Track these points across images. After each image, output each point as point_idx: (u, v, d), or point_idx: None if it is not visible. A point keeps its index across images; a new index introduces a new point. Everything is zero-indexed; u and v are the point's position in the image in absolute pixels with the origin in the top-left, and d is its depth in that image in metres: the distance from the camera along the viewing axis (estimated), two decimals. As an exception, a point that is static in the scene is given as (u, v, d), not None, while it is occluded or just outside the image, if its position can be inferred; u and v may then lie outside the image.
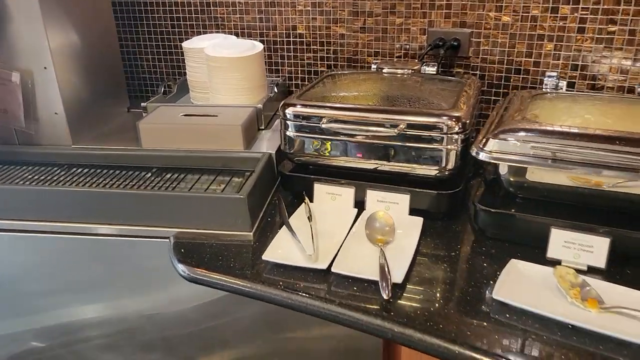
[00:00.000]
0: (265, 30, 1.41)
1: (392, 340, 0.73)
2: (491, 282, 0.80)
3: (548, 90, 1.08)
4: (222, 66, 1.20)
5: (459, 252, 0.89)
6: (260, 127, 1.21)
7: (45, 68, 1.09)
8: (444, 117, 0.92)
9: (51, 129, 1.14)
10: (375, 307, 0.75)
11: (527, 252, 0.85)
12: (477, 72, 1.27)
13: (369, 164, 0.98)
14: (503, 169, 0.89)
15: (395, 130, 0.92)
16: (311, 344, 1.01)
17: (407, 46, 1.31)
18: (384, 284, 0.77)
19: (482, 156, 0.86)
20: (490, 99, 1.29)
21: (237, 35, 1.42)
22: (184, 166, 1.11)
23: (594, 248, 0.80)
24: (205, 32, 1.45)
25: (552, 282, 0.77)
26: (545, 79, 1.08)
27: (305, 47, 1.39)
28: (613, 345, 0.66)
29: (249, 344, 1.04)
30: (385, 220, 0.91)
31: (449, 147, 0.92)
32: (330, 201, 1.00)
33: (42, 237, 0.99)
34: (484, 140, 0.87)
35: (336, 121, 0.96)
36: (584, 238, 0.80)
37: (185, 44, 1.30)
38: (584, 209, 0.86)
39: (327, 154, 1.00)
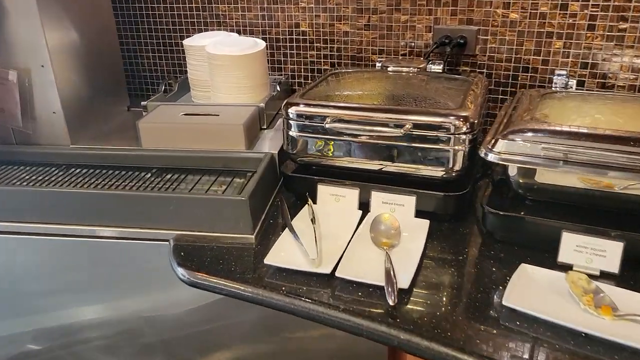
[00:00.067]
0: (267, 28, 1.39)
1: (398, 347, 0.71)
2: (500, 287, 0.77)
3: (557, 89, 1.06)
4: (224, 64, 1.18)
5: (467, 255, 0.86)
6: (263, 127, 1.19)
7: (42, 66, 1.08)
8: (451, 117, 0.89)
9: (49, 129, 1.13)
10: (381, 313, 0.73)
11: (537, 256, 0.83)
12: (484, 71, 1.25)
13: (374, 165, 0.96)
14: (512, 171, 0.86)
15: (401, 131, 0.89)
16: (312, 346, 1.00)
17: (413, 44, 1.28)
18: (390, 289, 0.74)
19: (491, 157, 0.84)
20: (497, 98, 1.26)
21: (239, 32, 1.40)
22: (184, 166, 1.09)
23: (607, 252, 0.77)
24: (206, 30, 1.43)
25: (564, 287, 0.74)
26: (555, 77, 1.06)
27: (308, 44, 1.37)
28: (628, 355, 0.64)
29: (249, 346, 1.03)
30: (391, 223, 0.89)
31: (456, 147, 0.90)
32: (334, 203, 0.98)
33: (39, 239, 0.98)
34: (492, 141, 0.85)
35: (340, 121, 0.94)
36: (597, 242, 0.78)
37: (186, 42, 1.28)
38: (596, 212, 0.84)
39: (331, 155, 0.98)
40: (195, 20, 1.43)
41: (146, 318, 1.04)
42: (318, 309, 0.75)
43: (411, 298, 0.76)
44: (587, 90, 1.15)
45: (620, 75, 1.14)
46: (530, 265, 0.79)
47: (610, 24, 1.11)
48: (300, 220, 0.94)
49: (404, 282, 0.77)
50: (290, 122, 0.98)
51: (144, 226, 0.94)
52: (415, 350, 0.69)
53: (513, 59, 1.22)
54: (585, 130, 0.82)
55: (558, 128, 0.83)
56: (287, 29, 1.37)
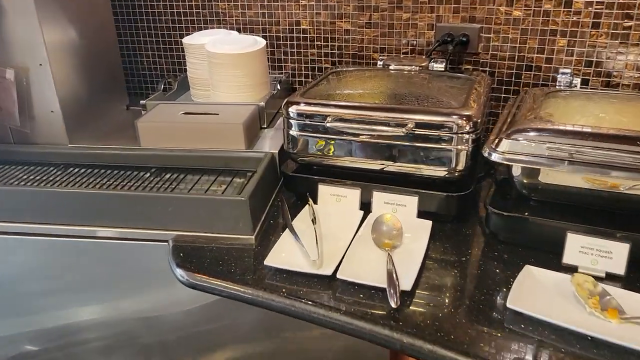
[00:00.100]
0: (268, 26, 1.37)
1: (400, 351, 0.70)
2: (504, 289, 0.76)
3: (562, 87, 1.04)
4: (224, 63, 1.17)
5: (470, 257, 0.85)
6: (263, 126, 1.19)
7: (40, 65, 1.07)
8: (454, 116, 0.88)
9: (47, 128, 1.12)
10: (383, 316, 0.71)
11: (541, 257, 0.82)
12: (487, 69, 1.23)
13: (376, 165, 0.95)
14: (516, 171, 0.85)
15: (403, 130, 0.88)
16: (312, 346, 0.99)
17: (415, 42, 1.27)
18: (392, 292, 0.73)
19: (495, 157, 0.83)
20: (500, 97, 1.25)
21: (239, 30, 1.39)
22: (183, 166, 1.08)
23: (613, 254, 0.76)
24: (206, 28, 1.42)
25: (570, 290, 0.73)
26: (559, 76, 1.04)
27: (309, 43, 1.36)
28: (635, 359, 0.63)
29: (249, 347, 1.02)
30: (393, 224, 0.88)
31: (459, 147, 0.88)
32: (335, 203, 0.96)
33: (36, 239, 0.97)
34: (496, 141, 0.84)
35: (341, 120, 0.93)
36: (602, 243, 0.77)
37: (185, 40, 1.27)
38: (601, 213, 0.83)
39: (332, 154, 0.97)
40: (195, 18, 1.42)
41: (145, 319, 1.03)
42: (319, 311, 0.74)
43: (414, 300, 0.75)
44: (591, 89, 1.14)
45: (625, 74, 1.13)
46: (535, 267, 0.78)
47: (615, 21, 1.10)
48: (301, 221, 0.93)
49: (406, 284, 0.75)
50: (291, 121, 0.97)
51: (142, 226, 0.93)
52: (418, 353, 0.67)
53: (516, 57, 1.20)
54: (591, 130, 0.80)
55: (563, 127, 0.82)
56: (287, 27, 1.36)
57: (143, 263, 0.96)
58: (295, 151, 1.00)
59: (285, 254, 0.84)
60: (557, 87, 1.05)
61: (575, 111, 0.93)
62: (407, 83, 1.07)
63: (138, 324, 1.04)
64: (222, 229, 0.90)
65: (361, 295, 0.76)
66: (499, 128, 0.88)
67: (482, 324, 0.70)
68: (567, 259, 0.79)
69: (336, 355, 0.99)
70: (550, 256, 0.81)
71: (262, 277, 0.81)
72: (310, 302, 0.75)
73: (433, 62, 1.14)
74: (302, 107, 0.96)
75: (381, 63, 1.17)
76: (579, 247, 0.78)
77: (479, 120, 0.89)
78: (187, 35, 1.31)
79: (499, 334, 0.68)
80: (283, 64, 1.41)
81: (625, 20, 1.09)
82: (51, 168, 1.10)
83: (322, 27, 1.33)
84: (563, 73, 1.05)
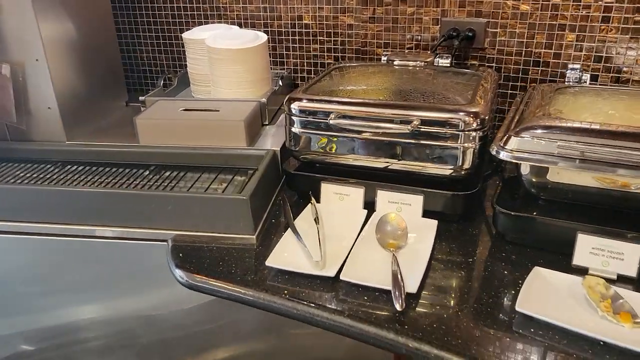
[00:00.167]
0: (269, 21, 1.35)
1: (406, 356, 0.68)
2: (512, 291, 0.74)
3: (571, 83, 1.02)
4: (224, 58, 1.16)
5: (477, 257, 0.83)
6: (264, 123, 1.17)
7: (37, 60, 1.04)
8: (461, 113, 0.86)
9: (44, 125, 1.10)
10: (388, 319, 0.69)
11: (550, 258, 0.80)
12: (493, 65, 1.21)
13: (380, 163, 0.93)
14: (525, 169, 0.83)
15: (409, 127, 0.86)
16: (313, 344, 0.98)
17: (419, 37, 1.25)
18: (397, 294, 0.71)
19: (503, 155, 0.80)
20: (507, 93, 1.23)
21: (240, 25, 1.37)
22: (183, 164, 1.07)
23: (625, 255, 0.74)
24: (206, 23, 1.40)
25: (581, 293, 0.71)
26: (568, 72, 1.02)
27: (311, 38, 1.34)
28: (649, 365, 0.61)
29: (250, 345, 1.02)
30: (397, 223, 0.86)
31: (465, 145, 0.86)
32: (338, 202, 0.94)
33: (33, 239, 0.95)
34: (504, 138, 0.81)
35: (345, 117, 0.91)
36: (614, 244, 0.75)
37: (185, 35, 1.25)
38: (612, 213, 0.81)
39: (335, 152, 0.95)
40: (195, 12, 1.40)
41: (144, 318, 1.02)
42: (322, 314, 0.72)
43: (419, 303, 0.72)
44: (601, 84, 1.11)
45: (636, 70, 1.10)
46: (544, 269, 0.76)
47: (626, 15, 1.07)
48: (303, 220, 0.91)
49: (411, 286, 0.73)
50: (293, 118, 0.95)
51: (141, 226, 0.91)
52: (425, 358, 0.65)
53: (523, 53, 1.18)
54: (602, 127, 0.78)
55: (574, 125, 0.79)
56: (289, 22, 1.34)
57: (142, 262, 0.95)
58: (297, 149, 0.98)
59: (287, 255, 0.82)
60: (565, 83, 1.03)
61: (584, 108, 0.91)
62: (411, 79, 1.05)
63: (137, 323, 1.03)
64: (222, 228, 0.88)
65: (365, 298, 0.74)
66: (507, 125, 0.86)
67: (490, 327, 0.68)
68: (578, 260, 0.76)
69: (340, 354, 0.98)
70: (560, 257, 0.79)
71: (263, 278, 0.79)
72: (312, 305, 0.73)
73: (438, 57, 1.12)
74: (305, 104, 0.94)
75: (385, 58, 1.16)
76: (589, 248, 0.76)
77: (487, 117, 0.86)
78: (187, 30, 1.29)
79: (508, 338, 0.66)
80: (285, 60, 1.39)
81: (636, 15, 1.07)
82: (48, 166, 1.09)
83: (325, 22, 1.31)
84: (572, 69, 1.02)
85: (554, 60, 1.16)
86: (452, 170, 0.89)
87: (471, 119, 0.85)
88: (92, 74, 1.20)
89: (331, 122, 0.91)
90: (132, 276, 0.98)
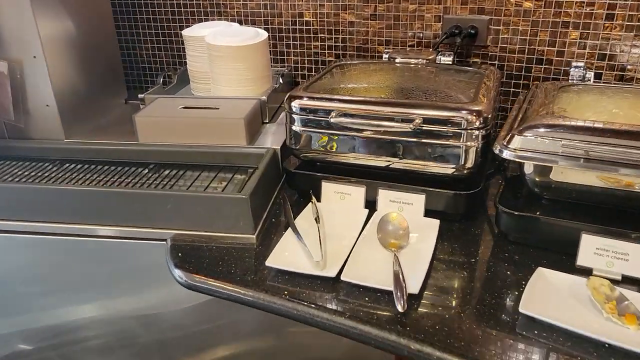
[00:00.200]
0: (270, 18, 1.34)
1: (407, 358, 0.67)
2: (516, 292, 0.73)
3: (574, 81, 1.00)
4: (224, 55, 1.15)
5: (479, 258, 0.82)
6: (265, 121, 1.16)
7: (35, 57, 1.03)
8: (464, 111, 0.85)
9: (42, 122, 1.09)
10: (390, 320, 0.69)
11: (553, 258, 0.79)
12: (496, 62, 1.20)
13: (381, 161, 0.92)
14: (528, 168, 0.82)
15: (411, 126, 0.85)
16: (314, 343, 0.98)
17: (421, 34, 1.24)
18: (399, 294, 0.70)
19: (507, 154, 0.79)
20: (509, 91, 1.21)
21: (240, 22, 1.36)
22: (183, 162, 1.06)
23: (630, 256, 0.73)
24: (206, 19, 1.39)
25: (585, 294, 0.70)
26: (572, 69, 1.01)
27: (312, 35, 1.33)
28: (655, 367, 0.60)
29: (250, 343, 1.01)
30: (399, 223, 0.85)
31: (468, 143, 0.85)
32: (339, 201, 0.93)
33: (30, 238, 0.94)
34: (508, 137, 0.80)
35: (346, 115, 0.90)
36: (618, 244, 0.74)
37: (185, 32, 1.24)
38: (617, 212, 0.80)
39: (336, 150, 0.94)
40: (195, 9, 1.39)
41: (143, 317, 1.02)
42: (322, 315, 0.71)
43: (421, 304, 0.72)
44: (605, 83, 1.10)
45: (640, 68, 1.09)
46: (548, 269, 0.75)
47: (630, 13, 1.06)
48: (304, 219, 0.90)
49: (413, 287, 0.72)
50: (294, 116, 0.94)
51: (140, 225, 0.90)
52: (426, 360, 0.64)
53: (526, 50, 1.17)
54: (608, 126, 0.77)
55: (579, 123, 0.78)
56: (290, 19, 1.33)
57: (141, 261, 0.94)
58: (298, 147, 0.97)
59: (288, 254, 0.81)
60: (569, 81, 1.01)
61: (588, 106, 0.90)
62: (413, 77, 1.04)
63: (136, 323, 1.03)
64: (222, 227, 0.87)
65: (366, 298, 0.73)
66: (510, 124, 0.85)
67: (493, 329, 0.67)
68: (582, 260, 0.75)
69: (339, 353, 0.97)
70: (563, 258, 0.78)
71: (263, 278, 0.78)
72: (313, 306, 0.72)
73: (440, 55, 1.11)
74: (306, 102, 0.93)
75: (387, 56, 1.15)
76: (594, 248, 0.75)
77: (489, 116, 0.85)
78: (187, 27, 1.29)
79: (511, 340, 0.65)
80: (285, 57, 1.38)
81: (641, 12, 1.05)
82: (46, 164, 1.08)
83: (326, 19, 1.30)
84: (576, 66, 1.01)
85: (557, 58, 1.15)
86: (454, 169, 0.88)
87: (474, 117, 0.84)
88: (91, 71, 1.19)
89: (332, 120, 0.90)
90: (131, 275, 0.97)
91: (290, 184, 1.01)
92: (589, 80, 1.00)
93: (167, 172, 1.04)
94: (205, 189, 0.97)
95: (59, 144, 1.09)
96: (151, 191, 0.93)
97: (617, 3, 1.06)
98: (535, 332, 0.66)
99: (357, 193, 0.92)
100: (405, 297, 0.70)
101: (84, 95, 1.17)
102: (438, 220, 0.87)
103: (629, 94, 0.95)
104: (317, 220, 0.89)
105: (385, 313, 0.70)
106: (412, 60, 1.11)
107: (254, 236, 0.87)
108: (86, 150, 1.09)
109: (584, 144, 0.75)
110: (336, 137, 0.93)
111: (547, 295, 0.70)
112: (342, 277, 0.75)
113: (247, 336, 1.01)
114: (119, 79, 1.34)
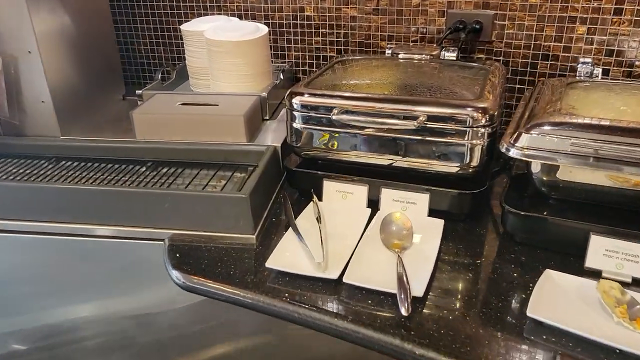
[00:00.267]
0: (270, 12, 1.32)
1: (412, 362, 0.65)
2: (523, 295, 0.71)
3: (582, 78, 0.98)
4: (224, 51, 1.13)
5: (485, 259, 0.80)
6: (265, 118, 1.14)
7: (29, 52, 1.01)
8: (469, 108, 0.82)
9: (37, 119, 1.07)
10: (393, 324, 0.67)
11: (561, 260, 0.78)
12: (501, 58, 1.18)
13: (384, 160, 0.90)
14: (535, 167, 0.80)
15: (415, 123, 0.83)
16: (314, 343, 0.96)
17: (425, 29, 1.21)
18: (403, 297, 0.68)
19: (514, 153, 0.77)
20: (514, 88, 1.19)
21: (240, 17, 1.34)
22: (181, 160, 1.04)
23: (640, 258, 0.71)
24: (206, 14, 1.37)
25: (594, 297, 0.68)
26: (579, 65, 0.99)
27: (313, 30, 1.30)
28: (668, 374, 0.58)
29: (248, 344, 1.00)
30: (402, 223, 0.83)
31: (473, 141, 0.83)
32: (341, 200, 0.92)
33: (25, 237, 0.93)
34: (514, 135, 0.78)
35: (348, 112, 0.88)
36: (628, 246, 0.72)
37: (184, 27, 1.22)
38: (627, 213, 0.78)
39: (338, 148, 0.92)
40: (194, 4, 1.37)
41: (140, 318, 1.00)
42: (324, 318, 0.69)
43: (426, 307, 0.70)
44: (612, 79, 1.08)
45: (649, 64, 1.07)
46: (556, 272, 0.73)
47: (639, 8, 1.04)
48: (305, 219, 0.88)
49: (418, 289, 0.70)
50: (294, 113, 0.92)
51: (137, 224, 0.88)
52: (431, 366, 0.63)
53: (532, 46, 1.14)
54: (617, 124, 0.75)
55: (588, 121, 0.76)
56: (291, 14, 1.30)
57: (138, 261, 0.92)
58: (299, 145, 0.95)
59: (288, 256, 0.79)
60: (577, 77, 0.99)
61: (596, 103, 0.88)
62: (417, 73, 1.02)
63: (133, 323, 1.01)
64: (221, 227, 0.85)
65: (369, 301, 0.71)
66: (517, 121, 0.83)
67: (500, 334, 0.65)
68: (590, 262, 0.74)
69: (339, 352, 0.95)
70: (571, 259, 0.77)
71: (263, 280, 0.76)
72: (314, 308, 0.70)
73: (444, 50, 1.09)
74: (307, 98, 0.91)
75: (389, 52, 1.13)
76: (603, 249, 0.73)
77: (495, 113, 0.83)
78: (186, 21, 1.26)
79: (519, 345, 0.63)
80: (286, 53, 1.36)
81: (650, 7, 1.03)
82: (42, 161, 1.06)
83: (327, 14, 1.27)
84: (583, 63, 0.99)
85: (563, 54, 1.12)
86: (459, 168, 0.86)
87: (480, 114, 0.82)
88: (87, 67, 1.17)
89: (334, 117, 0.88)
90: (128, 275, 0.95)
91: (291, 182, 0.99)
92: (597, 76, 0.98)
93: (165, 170, 1.02)
94: (204, 188, 0.95)
95: (54, 141, 1.07)
96: (149, 190, 0.91)
97: (625, -3, 1.04)
98: (544, 336, 0.64)
99: (359, 192, 0.91)
100: (409, 300, 0.68)
101: (81, 91, 1.15)
102: (442, 220, 0.86)
103: (637, 91, 0.93)
104: (318, 220, 0.87)
105: (388, 316, 0.68)
106: (416, 56, 1.09)
107: (254, 236, 0.85)
108: (82, 148, 1.07)
109: (594, 142, 0.73)
110: (338, 135, 0.91)
111: (555, 299, 0.69)
112: (345, 279, 0.73)
113: (246, 335, 1.00)
114: (116, 74, 1.32)
